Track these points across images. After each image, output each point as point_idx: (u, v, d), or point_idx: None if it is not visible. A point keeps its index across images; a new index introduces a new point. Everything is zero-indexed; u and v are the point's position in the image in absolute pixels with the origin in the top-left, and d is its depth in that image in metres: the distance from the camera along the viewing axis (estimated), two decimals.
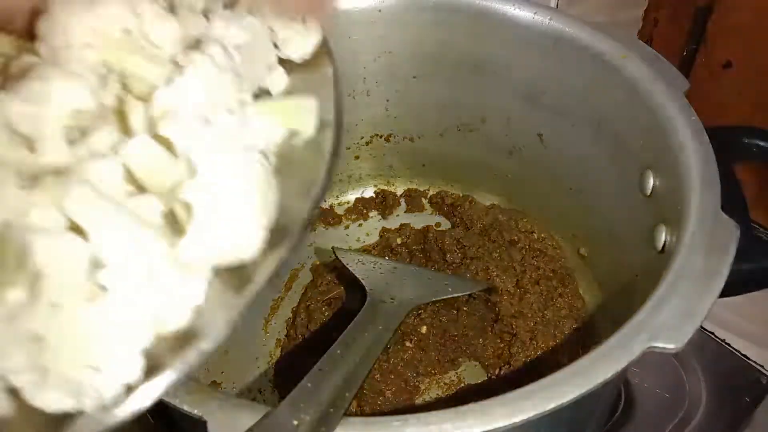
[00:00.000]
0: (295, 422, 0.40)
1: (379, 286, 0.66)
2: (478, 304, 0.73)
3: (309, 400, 0.42)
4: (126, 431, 0.32)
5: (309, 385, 0.44)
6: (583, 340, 0.70)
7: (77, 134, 0.34)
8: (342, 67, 0.78)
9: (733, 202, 0.52)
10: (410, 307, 0.64)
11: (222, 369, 0.73)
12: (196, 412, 0.41)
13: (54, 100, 0.33)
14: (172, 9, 0.39)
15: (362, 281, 0.67)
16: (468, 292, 0.72)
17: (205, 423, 0.41)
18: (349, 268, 0.69)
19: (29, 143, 0.34)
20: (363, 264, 0.71)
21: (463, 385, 0.71)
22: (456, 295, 0.70)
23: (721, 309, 0.81)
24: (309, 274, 0.81)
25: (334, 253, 0.73)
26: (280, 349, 0.75)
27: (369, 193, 0.89)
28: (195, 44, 0.37)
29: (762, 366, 0.76)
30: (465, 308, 0.74)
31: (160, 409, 0.42)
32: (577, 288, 0.76)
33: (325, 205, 0.87)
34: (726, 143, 0.60)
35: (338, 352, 0.51)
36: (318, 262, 0.81)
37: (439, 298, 0.69)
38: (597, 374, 0.41)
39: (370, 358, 0.52)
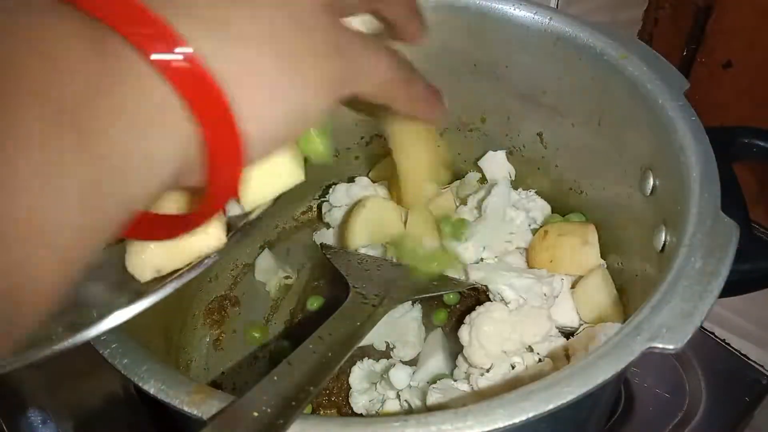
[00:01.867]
0: (256, 414, 0.40)
1: (362, 282, 0.66)
2: (470, 303, 0.73)
3: (273, 392, 0.42)
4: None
5: (275, 378, 0.44)
6: None
7: None
8: None
9: (732, 202, 0.52)
10: (392, 304, 0.64)
11: (222, 369, 0.73)
12: (195, 412, 0.41)
13: None
14: None
15: (346, 277, 0.66)
16: (453, 291, 0.72)
17: (204, 423, 0.41)
18: (334, 264, 0.69)
19: None
20: (349, 260, 0.71)
21: None
22: (440, 293, 0.69)
23: (721, 309, 0.81)
24: (308, 274, 0.81)
25: (321, 249, 0.73)
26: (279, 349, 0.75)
27: None
28: None
29: (762, 366, 0.76)
30: (457, 306, 0.74)
31: (159, 409, 0.43)
32: None
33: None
34: (726, 143, 0.60)
35: (310, 346, 0.50)
36: (317, 263, 0.81)
37: (422, 296, 0.69)
38: (597, 374, 0.41)
39: (343, 353, 0.51)
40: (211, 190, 0.33)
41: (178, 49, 0.28)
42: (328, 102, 0.35)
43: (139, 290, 0.39)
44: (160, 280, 0.40)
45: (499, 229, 0.72)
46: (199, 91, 0.29)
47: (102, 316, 0.36)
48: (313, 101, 0.34)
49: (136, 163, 0.28)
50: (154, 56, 0.27)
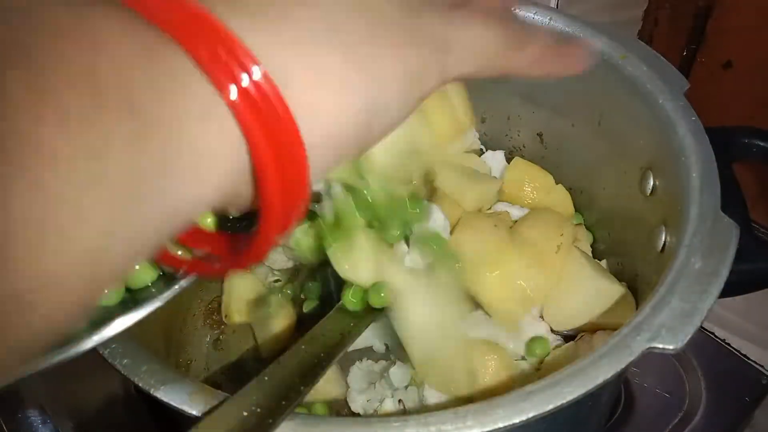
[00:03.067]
0: (245, 413, 0.40)
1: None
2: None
3: (263, 392, 0.43)
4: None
5: (266, 377, 0.44)
6: None
7: None
8: None
9: (733, 202, 0.52)
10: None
11: (222, 370, 0.73)
12: (195, 412, 0.41)
13: None
14: None
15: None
16: None
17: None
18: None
19: None
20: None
21: None
22: None
23: (721, 309, 0.81)
24: (305, 275, 0.81)
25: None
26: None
27: None
28: None
29: (762, 366, 0.76)
30: None
31: (159, 409, 0.43)
32: None
33: None
34: (726, 143, 0.60)
35: (302, 347, 0.50)
36: (315, 263, 0.81)
37: None
38: (597, 375, 0.41)
39: (335, 353, 0.51)
40: (266, 213, 0.28)
41: (246, 74, 0.25)
42: (410, 99, 0.31)
43: (135, 299, 0.38)
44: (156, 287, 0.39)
45: None
46: (264, 111, 0.25)
47: (99, 326, 0.35)
48: (389, 100, 0.29)
49: (188, 160, 0.24)
50: (231, 95, 0.25)
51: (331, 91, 0.27)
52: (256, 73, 0.25)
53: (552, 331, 0.65)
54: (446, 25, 0.32)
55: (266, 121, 0.25)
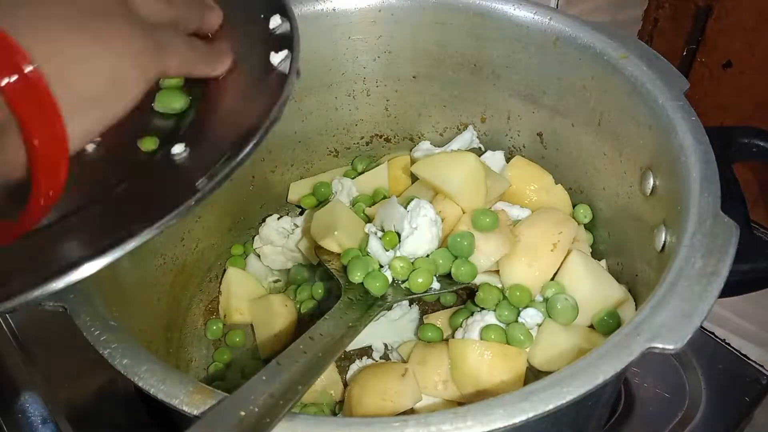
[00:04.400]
0: (242, 413, 0.40)
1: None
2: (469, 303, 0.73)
3: (260, 392, 0.42)
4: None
5: (264, 378, 0.44)
6: None
7: None
8: (342, 67, 0.78)
9: (733, 202, 0.52)
10: (384, 305, 0.64)
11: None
12: (195, 412, 0.41)
13: None
14: None
15: (338, 277, 0.66)
16: (448, 291, 0.70)
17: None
18: (326, 265, 0.69)
19: None
20: (341, 261, 0.71)
21: None
22: (435, 293, 0.69)
23: (721, 309, 0.81)
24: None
25: (315, 251, 0.73)
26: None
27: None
28: None
29: (762, 366, 0.76)
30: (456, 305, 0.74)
31: (159, 409, 0.42)
32: None
33: None
34: (726, 143, 0.60)
35: (301, 346, 0.50)
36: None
37: (415, 296, 0.67)
38: (596, 375, 0.41)
39: (334, 353, 0.52)
40: (35, 164, 0.35)
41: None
42: (146, 71, 0.40)
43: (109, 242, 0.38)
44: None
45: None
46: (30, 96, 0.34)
47: (71, 267, 0.36)
48: (128, 70, 0.39)
49: None
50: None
51: (80, 60, 0.37)
52: (27, 68, 0.34)
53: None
54: (161, 30, 0.43)
55: (30, 103, 0.34)
